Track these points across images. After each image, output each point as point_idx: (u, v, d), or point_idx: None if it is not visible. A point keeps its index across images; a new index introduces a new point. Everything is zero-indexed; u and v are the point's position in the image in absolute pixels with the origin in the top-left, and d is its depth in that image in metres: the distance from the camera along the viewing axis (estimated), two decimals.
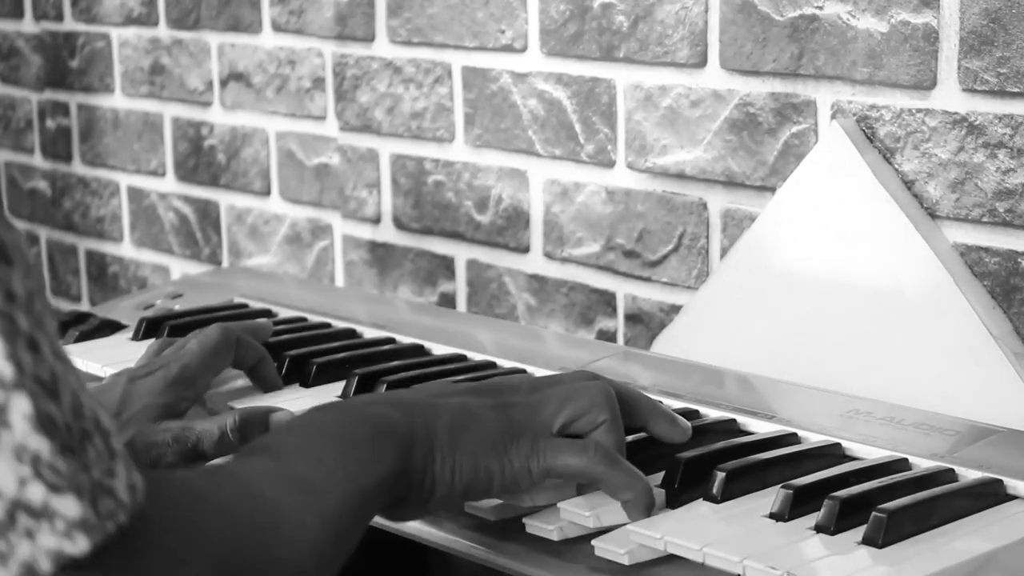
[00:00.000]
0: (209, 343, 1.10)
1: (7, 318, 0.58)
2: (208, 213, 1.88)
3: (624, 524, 0.87)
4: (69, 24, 2.06)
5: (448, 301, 1.58)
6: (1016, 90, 1.09)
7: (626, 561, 0.85)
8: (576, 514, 0.88)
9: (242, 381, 1.16)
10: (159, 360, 1.09)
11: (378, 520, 0.96)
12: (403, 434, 0.84)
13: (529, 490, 0.89)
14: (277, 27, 1.73)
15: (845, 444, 0.99)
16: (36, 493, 0.57)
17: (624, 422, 0.92)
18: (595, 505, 0.88)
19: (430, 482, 0.86)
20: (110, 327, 1.35)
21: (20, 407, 0.57)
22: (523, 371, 1.16)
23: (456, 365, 1.17)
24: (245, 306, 1.40)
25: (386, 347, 1.24)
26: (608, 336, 1.42)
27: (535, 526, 0.89)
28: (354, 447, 0.82)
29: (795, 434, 1.00)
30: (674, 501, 0.90)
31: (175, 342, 1.13)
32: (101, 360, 1.23)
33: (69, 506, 0.58)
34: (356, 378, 1.12)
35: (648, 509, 0.88)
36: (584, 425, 0.90)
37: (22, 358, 0.58)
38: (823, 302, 1.19)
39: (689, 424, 0.97)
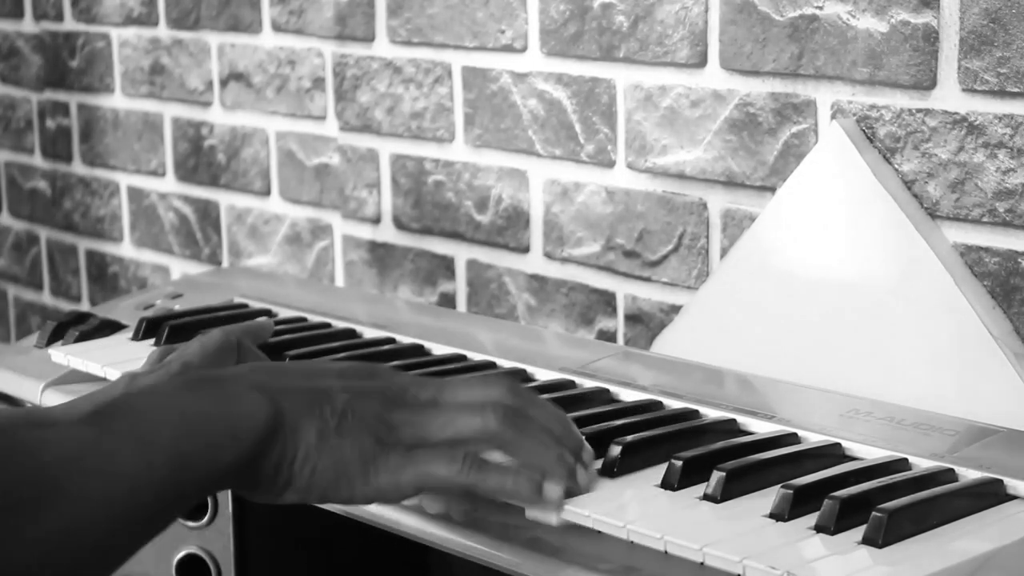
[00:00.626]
0: (211, 345, 1.10)
1: None
2: (208, 213, 1.88)
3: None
4: (69, 24, 2.06)
5: (448, 301, 1.58)
6: (1016, 90, 1.09)
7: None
8: (575, 513, 0.88)
9: None
10: (161, 366, 1.09)
11: (378, 520, 0.96)
12: (264, 429, 0.83)
13: (397, 501, 0.88)
14: (277, 27, 1.73)
15: (845, 444, 0.99)
16: None
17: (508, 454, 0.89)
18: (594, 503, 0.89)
19: (285, 478, 0.85)
20: (110, 327, 1.35)
21: None
22: (523, 371, 1.16)
23: (456, 365, 1.17)
24: (245, 306, 1.40)
25: (386, 347, 1.24)
26: (608, 336, 1.42)
27: (535, 513, 0.90)
28: (204, 436, 0.81)
29: (795, 434, 1.00)
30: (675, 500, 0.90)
31: (177, 347, 1.13)
32: (101, 360, 1.23)
33: None
34: None
35: (534, 494, 0.87)
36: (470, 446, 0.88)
37: None
38: (823, 302, 1.19)
39: (589, 479, 0.92)
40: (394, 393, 0.89)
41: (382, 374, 0.91)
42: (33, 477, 0.74)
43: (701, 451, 0.95)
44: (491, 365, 1.18)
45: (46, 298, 2.22)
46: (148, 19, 1.92)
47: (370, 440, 0.86)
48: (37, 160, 2.19)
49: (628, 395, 1.10)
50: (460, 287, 1.57)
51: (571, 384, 1.13)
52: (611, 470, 0.95)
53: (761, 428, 1.02)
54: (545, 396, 1.08)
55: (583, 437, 0.93)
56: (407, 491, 0.87)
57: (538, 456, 0.88)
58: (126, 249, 2.03)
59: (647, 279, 1.38)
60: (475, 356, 1.20)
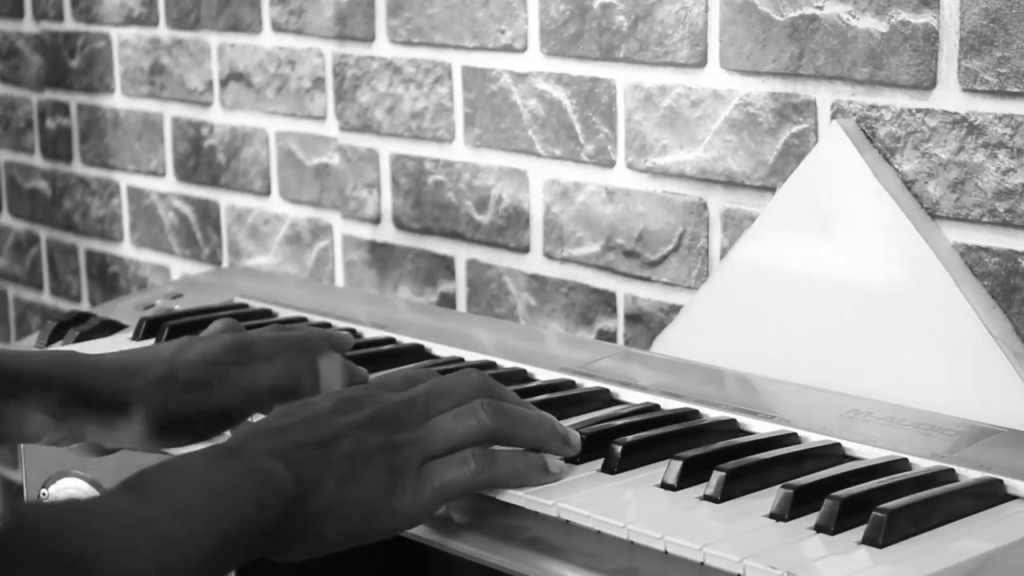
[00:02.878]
0: (290, 342, 1.10)
1: None
2: (208, 213, 1.88)
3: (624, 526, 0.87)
4: (69, 24, 2.06)
5: (448, 301, 1.58)
6: (1016, 90, 1.09)
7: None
8: (575, 513, 0.89)
9: None
10: (229, 328, 1.09)
11: None
12: (287, 492, 0.85)
13: (425, 520, 0.90)
14: (277, 27, 1.73)
15: (845, 444, 0.99)
16: None
17: (510, 444, 0.94)
18: (595, 502, 0.89)
19: (315, 533, 0.87)
20: (110, 327, 1.35)
21: None
22: (523, 371, 1.16)
23: (456, 365, 1.17)
24: (245, 306, 1.40)
25: (386, 347, 1.24)
26: (608, 336, 1.42)
27: (535, 501, 0.90)
28: (234, 506, 0.82)
29: (795, 434, 1.00)
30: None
31: (239, 327, 1.12)
32: None
33: None
34: None
35: (543, 472, 0.93)
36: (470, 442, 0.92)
37: None
38: (823, 302, 1.19)
39: (577, 437, 0.97)
40: (389, 417, 0.91)
41: (369, 400, 0.93)
42: (93, 537, 0.75)
43: (701, 451, 0.95)
44: (491, 365, 1.18)
45: (46, 298, 2.22)
46: (148, 19, 1.92)
47: (383, 472, 0.88)
48: (37, 160, 2.19)
49: (628, 395, 1.10)
50: (460, 287, 1.57)
51: (571, 384, 1.13)
52: (611, 470, 0.95)
53: (761, 428, 1.02)
54: (545, 396, 1.09)
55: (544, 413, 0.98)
56: (432, 508, 0.90)
57: (535, 435, 0.94)
58: (126, 249, 2.03)
59: (647, 279, 1.38)
60: (475, 356, 1.20)
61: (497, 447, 0.93)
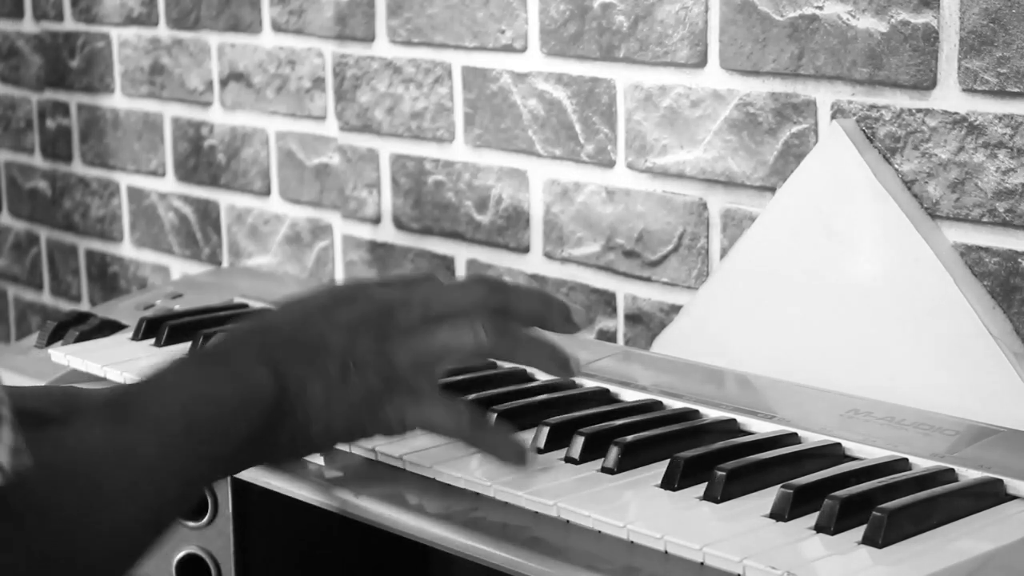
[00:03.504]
0: (116, 392, 1.09)
1: None
2: (208, 213, 1.88)
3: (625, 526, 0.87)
4: (69, 24, 2.06)
5: None
6: (1016, 90, 1.09)
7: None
8: (575, 513, 0.88)
9: None
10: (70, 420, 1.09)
11: (378, 520, 0.96)
12: (274, 399, 0.83)
13: (401, 435, 0.89)
14: (277, 27, 1.73)
15: (845, 444, 0.99)
16: None
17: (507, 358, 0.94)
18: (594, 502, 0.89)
19: (302, 442, 0.86)
20: (110, 327, 1.35)
21: None
22: (523, 371, 1.16)
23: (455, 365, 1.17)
24: (245, 306, 1.40)
25: None
26: (608, 336, 1.42)
27: (535, 501, 0.90)
28: (216, 418, 0.81)
29: (795, 434, 1.00)
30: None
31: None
32: (101, 360, 1.23)
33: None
34: None
35: (519, 460, 0.91)
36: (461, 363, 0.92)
37: None
38: (823, 302, 1.19)
39: (576, 364, 0.94)
40: (383, 318, 0.88)
41: (364, 296, 0.90)
42: (56, 477, 0.74)
43: (701, 451, 0.95)
44: (491, 365, 1.18)
45: (46, 298, 2.22)
46: (148, 19, 1.92)
47: (375, 379, 0.87)
48: (37, 160, 2.19)
49: (628, 395, 1.10)
50: None
51: (571, 384, 1.13)
52: (611, 470, 0.95)
53: (761, 428, 1.02)
54: (545, 396, 1.09)
55: (566, 304, 0.95)
56: (411, 428, 0.89)
57: (533, 358, 0.93)
58: (126, 249, 2.03)
59: (647, 279, 1.38)
60: None
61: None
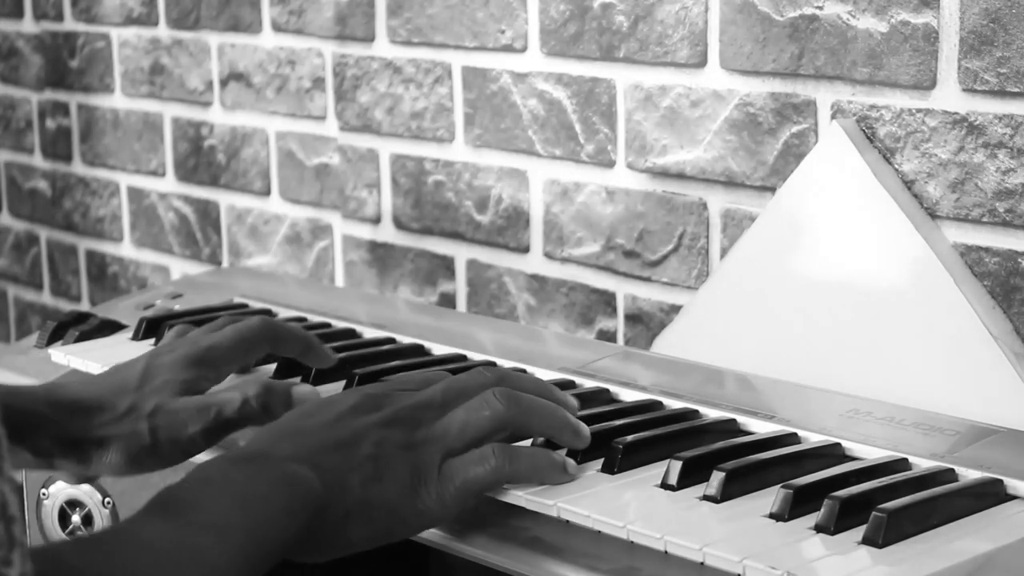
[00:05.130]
0: (245, 332, 1.11)
1: None
2: (208, 213, 1.88)
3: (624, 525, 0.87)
4: (69, 24, 2.06)
5: (448, 301, 1.58)
6: (1016, 90, 1.09)
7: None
8: (575, 513, 0.88)
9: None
10: (185, 339, 1.10)
11: None
12: (316, 496, 0.85)
13: (450, 518, 0.91)
14: (277, 27, 1.73)
15: (845, 444, 0.99)
16: None
17: (523, 433, 0.95)
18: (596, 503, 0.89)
19: (344, 536, 0.87)
20: (110, 327, 1.35)
21: None
22: (523, 371, 1.16)
23: (456, 365, 1.17)
24: (245, 306, 1.40)
25: (386, 347, 1.24)
26: (608, 336, 1.42)
27: (535, 501, 0.90)
28: (265, 514, 0.83)
29: (795, 434, 1.00)
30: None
31: (198, 327, 1.14)
32: (101, 360, 1.23)
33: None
34: (356, 378, 1.12)
35: (562, 474, 0.93)
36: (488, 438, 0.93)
37: None
38: (823, 302, 1.19)
39: (588, 431, 0.97)
40: (407, 416, 0.92)
41: (387, 400, 0.93)
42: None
43: (701, 451, 0.95)
44: (491, 364, 1.18)
45: (46, 298, 2.22)
46: (148, 19, 1.92)
47: (406, 471, 0.89)
48: (37, 160, 2.19)
49: (628, 395, 1.10)
50: (460, 287, 1.57)
51: (571, 384, 1.13)
52: (611, 470, 0.95)
53: (761, 428, 1.02)
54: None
55: (566, 394, 1.00)
56: (455, 506, 0.90)
57: (547, 425, 0.95)
58: (126, 249, 2.03)
59: (647, 279, 1.38)
60: (475, 356, 1.20)
61: (516, 444, 0.94)
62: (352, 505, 0.87)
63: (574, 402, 1.00)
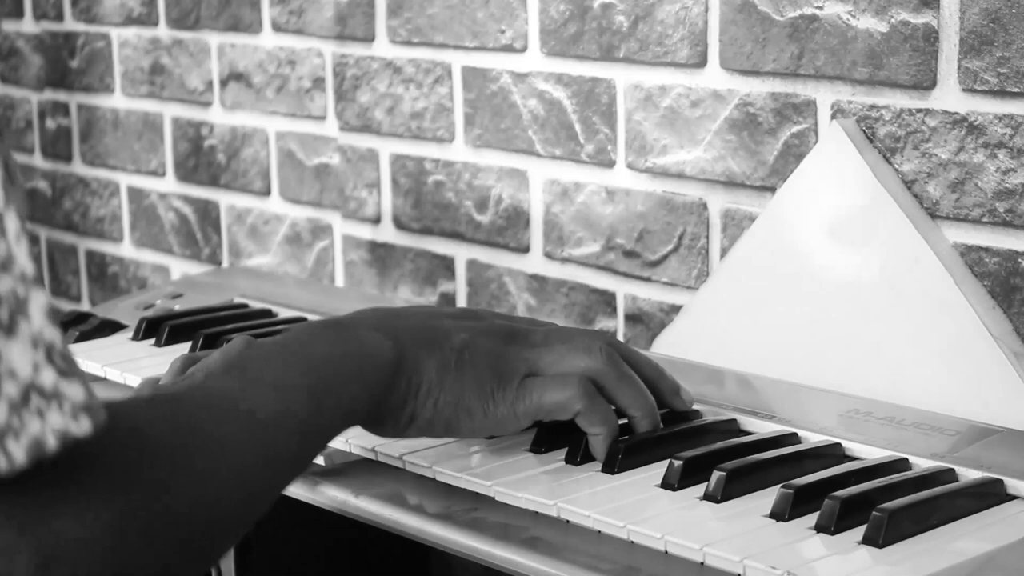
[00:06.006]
0: (232, 352, 1.10)
1: (23, 220, 0.65)
2: (208, 213, 1.88)
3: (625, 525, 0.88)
4: (69, 24, 2.06)
5: (448, 301, 1.58)
6: (1016, 90, 1.09)
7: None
8: (575, 513, 0.88)
9: None
10: (185, 377, 1.09)
11: (379, 520, 0.96)
12: (389, 366, 0.87)
13: (515, 431, 0.93)
14: (277, 27, 1.73)
15: (845, 444, 0.99)
16: (48, 377, 0.61)
17: (608, 395, 0.96)
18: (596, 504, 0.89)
19: (409, 413, 0.89)
20: (110, 327, 1.35)
21: (38, 300, 0.62)
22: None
23: None
24: (245, 306, 1.40)
25: None
26: None
27: (535, 501, 0.90)
28: (334, 377, 0.84)
29: (795, 434, 1.00)
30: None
31: (198, 358, 1.13)
32: (101, 360, 1.23)
33: (75, 391, 0.62)
34: None
35: (604, 451, 0.94)
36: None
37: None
38: (823, 302, 1.19)
39: (660, 425, 0.98)
40: (506, 332, 0.94)
41: (488, 317, 0.96)
42: (186, 429, 0.74)
43: (701, 451, 0.95)
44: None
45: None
46: (148, 19, 1.92)
47: (488, 373, 0.91)
48: (37, 160, 2.19)
49: None
50: (460, 287, 1.57)
51: None
52: (611, 470, 0.95)
53: (761, 428, 1.02)
54: None
55: (677, 382, 1.01)
56: (524, 421, 0.92)
57: (633, 401, 0.96)
58: (126, 249, 2.03)
59: (647, 279, 1.38)
60: None
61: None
62: (425, 386, 0.88)
63: (678, 388, 1.01)
